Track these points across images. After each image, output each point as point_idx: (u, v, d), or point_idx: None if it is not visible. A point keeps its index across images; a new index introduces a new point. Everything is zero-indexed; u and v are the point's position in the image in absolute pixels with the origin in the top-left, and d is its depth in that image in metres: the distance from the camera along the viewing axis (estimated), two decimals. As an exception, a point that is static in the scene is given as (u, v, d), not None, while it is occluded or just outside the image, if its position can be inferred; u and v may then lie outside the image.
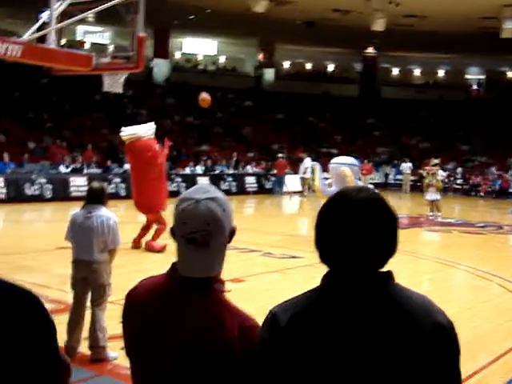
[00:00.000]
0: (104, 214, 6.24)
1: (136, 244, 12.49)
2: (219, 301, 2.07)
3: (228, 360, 1.93)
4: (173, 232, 2.08)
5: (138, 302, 2.11)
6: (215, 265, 2.07)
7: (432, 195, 20.95)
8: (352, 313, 1.75)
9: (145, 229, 12.67)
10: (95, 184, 6.64)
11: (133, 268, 10.19)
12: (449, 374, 1.78)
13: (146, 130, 12.70)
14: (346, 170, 14.11)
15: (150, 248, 12.33)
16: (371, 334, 1.72)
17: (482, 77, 45.31)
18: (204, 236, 2.01)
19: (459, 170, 33.89)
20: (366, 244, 1.77)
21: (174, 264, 2.09)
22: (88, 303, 6.31)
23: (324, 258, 1.83)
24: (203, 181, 26.48)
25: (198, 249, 2.01)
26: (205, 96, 12.56)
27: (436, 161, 24.38)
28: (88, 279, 6.20)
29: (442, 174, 22.96)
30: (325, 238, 1.83)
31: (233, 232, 2.11)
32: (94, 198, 6.32)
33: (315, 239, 1.85)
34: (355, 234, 1.77)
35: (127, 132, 12.59)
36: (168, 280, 2.09)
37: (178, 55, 42.99)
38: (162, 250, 12.11)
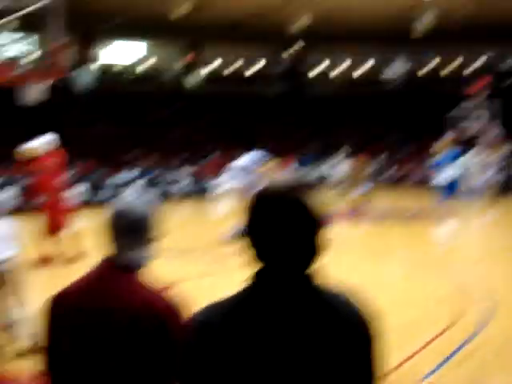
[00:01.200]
0: None
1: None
2: (150, 285, 2.40)
3: (161, 334, 2.24)
4: (108, 227, 2.42)
5: (69, 296, 2.37)
6: (149, 253, 2.46)
7: None
8: (281, 311, 1.78)
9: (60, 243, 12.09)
10: None
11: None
12: (367, 365, 1.86)
13: (43, 144, 11.86)
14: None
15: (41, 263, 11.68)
16: (300, 331, 1.77)
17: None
18: (139, 228, 2.43)
19: None
20: (296, 242, 1.80)
21: (105, 257, 2.42)
22: None
23: (257, 253, 1.83)
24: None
25: (135, 239, 2.41)
26: None
27: None
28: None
29: None
30: (257, 233, 1.82)
31: (159, 228, 2.50)
32: None
33: (249, 233, 1.84)
34: (285, 233, 1.79)
35: (27, 148, 11.81)
36: (101, 270, 2.40)
37: (102, 61, 42.31)
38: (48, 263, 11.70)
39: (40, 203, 11.93)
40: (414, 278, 10.73)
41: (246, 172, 14.30)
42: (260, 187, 1.90)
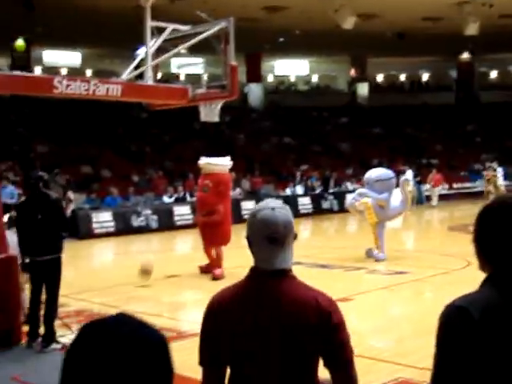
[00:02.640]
0: None
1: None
2: (304, 284, 2.65)
3: (326, 329, 2.52)
4: (250, 238, 2.64)
5: (230, 304, 2.61)
6: (291, 258, 2.65)
7: None
8: None
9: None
10: None
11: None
12: None
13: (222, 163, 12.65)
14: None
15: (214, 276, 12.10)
16: None
17: None
18: (282, 236, 2.59)
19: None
20: None
21: (252, 267, 2.64)
22: None
23: (490, 258, 2.02)
24: (304, 201, 26.51)
25: (278, 246, 2.58)
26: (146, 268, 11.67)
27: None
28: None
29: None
30: (493, 240, 2.02)
31: (296, 235, 2.68)
32: None
33: (480, 241, 2.05)
34: None
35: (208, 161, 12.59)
36: (252, 278, 2.63)
37: (270, 78, 43.44)
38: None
39: (211, 217, 12.35)
40: None
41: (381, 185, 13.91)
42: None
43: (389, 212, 14.09)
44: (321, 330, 2.51)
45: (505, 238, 1.99)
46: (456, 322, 1.91)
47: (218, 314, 2.60)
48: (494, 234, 2.02)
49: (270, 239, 2.57)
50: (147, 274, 11.35)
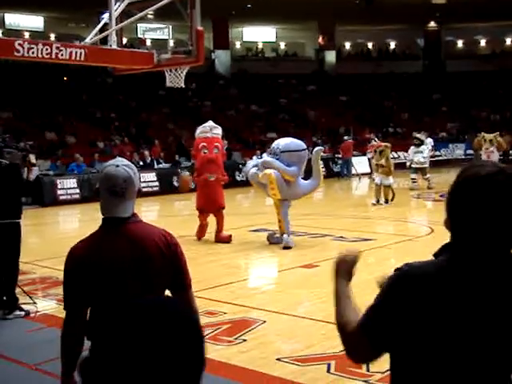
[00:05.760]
0: None
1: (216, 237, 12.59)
2: (149, 224, 3.18)
3: (174, 258, 3.08)
4: (97, 189, 3.06)
5: (88, 250, 3.04)
6: (130, 208, 3.06)
7: (380, 179, 17.57)
8: (478, 284, 1.90)
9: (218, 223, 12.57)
10: None
11: (207, 259, 10.30)
12: None
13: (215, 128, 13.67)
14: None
15: (219, 239, 12.41)
16: (492, 300, 1.90)
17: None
18: (121, 190, 2.98)
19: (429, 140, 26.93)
20: (502, 222, 1.89)
21: (103, 219, 3.11)
22: None
23: (453, 226, 1.98)
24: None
25: (117, 198, 3.00)
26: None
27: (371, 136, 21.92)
28: None
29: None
30: (458, 210, 1.96)
31: (139, 190, 3.14)
32: None
33: (452, 211, 1.99)
34: (496, 213, 1.88)
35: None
36: (102, 226, 3.10)
37: (238, 45, 43.08)
38: (229, 239, 12.39)
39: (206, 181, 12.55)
40: None
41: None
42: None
43: (296, 189, 11.84)
44: (170, 258, 3.03)
45: (467, 209, 1.94)
46: (397, 285, 1.96)
47: (79, 262, 3.01)
48: (460, 204, 1.96)
49: (111, 191, 2.99)
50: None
